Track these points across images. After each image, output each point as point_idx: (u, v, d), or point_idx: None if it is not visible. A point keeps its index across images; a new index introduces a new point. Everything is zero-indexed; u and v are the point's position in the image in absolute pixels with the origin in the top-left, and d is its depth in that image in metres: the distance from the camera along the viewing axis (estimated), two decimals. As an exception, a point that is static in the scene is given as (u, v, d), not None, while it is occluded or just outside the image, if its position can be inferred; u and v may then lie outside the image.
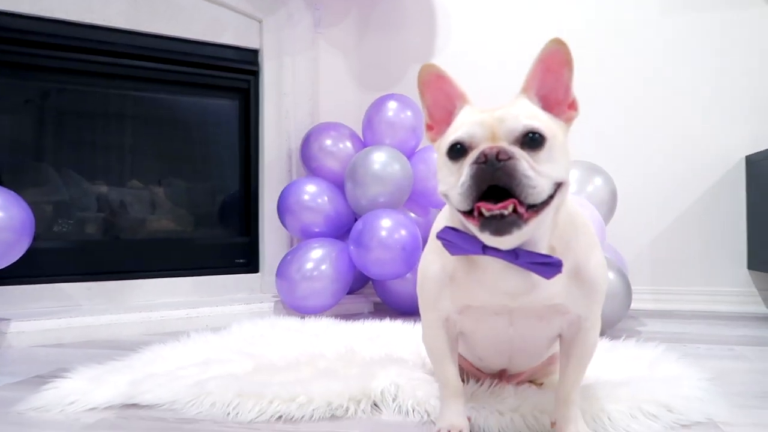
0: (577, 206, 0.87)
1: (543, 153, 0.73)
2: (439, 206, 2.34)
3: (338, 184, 2.31)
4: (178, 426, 1.02)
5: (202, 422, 1.04)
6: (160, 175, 2.48)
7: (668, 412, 1.01)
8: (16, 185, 1.94)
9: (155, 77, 2.36)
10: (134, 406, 1.12)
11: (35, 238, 1.76)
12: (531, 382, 1.12)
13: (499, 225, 0.70)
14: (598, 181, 1.92)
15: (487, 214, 0.70)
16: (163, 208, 2.48)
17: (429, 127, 0.87)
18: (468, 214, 0.73)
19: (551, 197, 0.73)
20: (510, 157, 0.70)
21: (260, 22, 2.52)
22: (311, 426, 1.02)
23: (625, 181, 2.20)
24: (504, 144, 0.73)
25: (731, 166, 2.36)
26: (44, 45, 2.11)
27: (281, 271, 2.14)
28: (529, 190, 0.70)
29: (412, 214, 2.35)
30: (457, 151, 0.76)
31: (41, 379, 1.30)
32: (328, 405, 1.07)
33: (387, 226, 2.05)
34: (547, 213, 0.74)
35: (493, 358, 1.02)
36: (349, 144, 2.37)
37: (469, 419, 0.95)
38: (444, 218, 0.87)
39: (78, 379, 1.23)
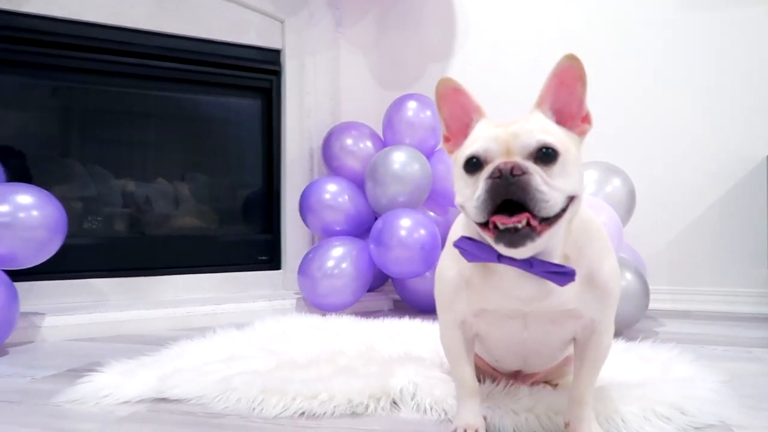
0: (591, 213, 0.90)
1: (556, 167, 0.75)
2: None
3: (359, 183, 2.35)
4: (206, 420, 1.07)
5: (228, 417, 1.09)
6: (184, 172, 2.55)
7: (681, 414, 1.02)
8: (46, 183, 2.02)
9: (180, 77, 2.42)
10: (164, 400, 1.17)
11: (67, 235, 1.82)
12: (546, 382, 1.15)
13: (513, 238, 0.73)
14: (616, 181, 1.92)
15: (501, 227, 0.73)
16: (187, 205, 2.54)
17: (446, 139, 0.89)
18: (484, 225, 0.76)
19: (564, 210, 0.75)
20: (524, 172, 0.73)
21: (282, 22, 2.56)
22: (332, 422, 1.06)
23: (643, 181, 2.20)
24: (518, 159, 0.75)
25: (752, 165, 2.34)
26: (74, 47, 2.18)
27: (303, 269, 2.19)
28: (542, 204, 0.72)
29: (432, 213, 2.38)
30: (473, 164, 0.78)
31: (76, 373, 1.36)
32: (349, 402, 1.10)
33: (406, 225, 2.08)
34: (561, 225, 0.76)
35: (509, 360, 1.05)
36: (369, 143, 2.41)
37: (485, 418, 0.98)
38: (461, 226, 0.90)
39: (111, 373, 1.29)
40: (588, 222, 0.86)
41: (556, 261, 0.81)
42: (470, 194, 0.77)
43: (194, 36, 2.39)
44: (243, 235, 2.59)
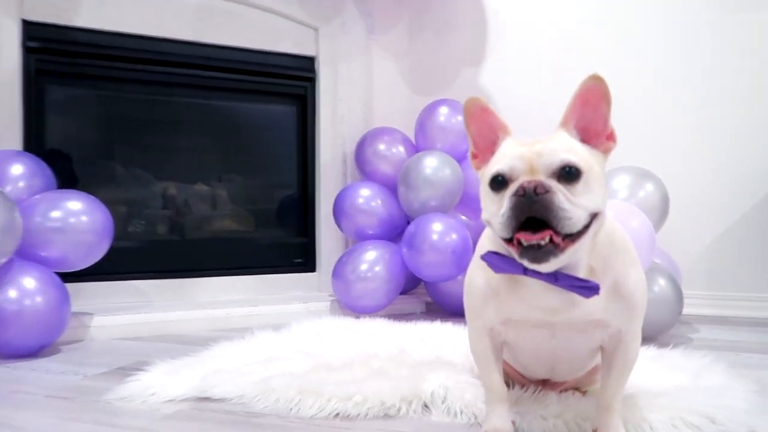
0: (616, 224, 0.92)
1: (579, 185, 0.78)
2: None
3: (391, 188, 2.39)
4: (246, 419, 1.13)
5: (267, 416, 1.14)
6: (222, 177, 2.63)
7: (711, 423, 1.03)
8: (92, 186, 2.12)
9: (218, 86, 2.50)
10: (206, 399, 1.23)
11: (113, 239, 1.92)
12: (575, 389, 1.17)
13: (537, 254, 0.76)
14: (649, 186, 1.91)
15: (525, 243, 0.76)
16: (225, 208, 2.63)
17: (474, 156, 0.93)
18: (509, 241, 0.79)
19: (587, 226, 0.78)
20: (547, 191, 0.76)
21: (316, 30, 2.62)
22: (366, 423, 1.10)
23: (678, 185, 2.18)
24: (542, 177, 0.78)
25: (793, 169, 2.29)
26: (119, 58, 2.28)
27: (337, 272, 2.25)
28: (565, 222, 0.75)
29: (463, 217, 2.40)
30: (499, 182, 0.81)
31: (123, 371, 1.44)
32: (382, 404, 1.15)
33: (438, 229, 2.11)
34: (584, 240, 0.79)
35: (537, 368, 1.08)
36: (401, 148, 2.45)
37: (513, 423, 1.01)
38: (488, 239, 0.93)
39: (156, 372, 1.36)
40: (613, 233, 0.88)
41: (582, 274, 0.83)
42: (495, 211, 0.80)
43: (232, 45, 2.46)
44: (279, 238, 2.66)
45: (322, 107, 2.64)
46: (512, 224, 0.77)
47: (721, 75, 2.39)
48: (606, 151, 0.86)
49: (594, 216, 0.79)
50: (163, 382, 1.28)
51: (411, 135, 2.51)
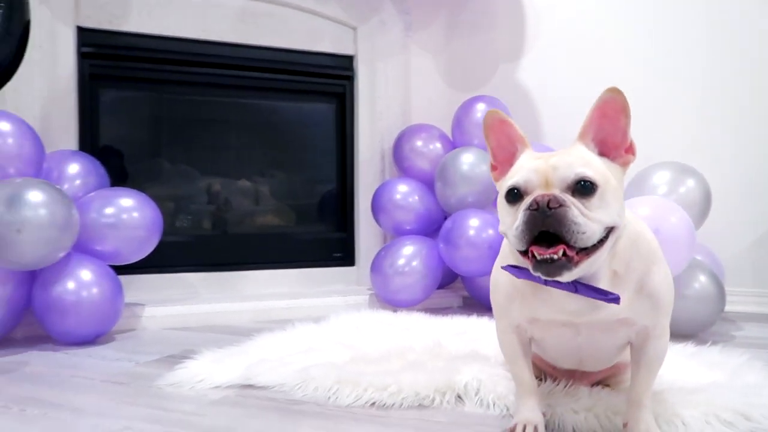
0: (639, 225, 0.93)
1: (594, 199, 0.78)
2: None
3: (429, 184, 2.42)
4: (287, 406, 1.19)
5: (306, 404, 1.20)
6: (264, 173, 2.71)
7: (745, 420, 1.03)
8: (142, 185, 2.22)
9: (260, 85, 2.58)
10: (250, 386, 1.30)
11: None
12: (606, 385, 1.18)
13: (550, 268, 0.77)
14: (690, 182, 1.89)
15: (539, 257, 0.77)
16: (267, 204, 2.71)
17: (493, 167, 0.94)
18: (524, 253, 0.80)
19: (603, 240, 0.79)
20: (561, 205, 0.76)
21: (355, 29, 2.67)
22: (401, 413, 1.14)
23: (721, 181, 2.13)
24: (556, 191, 0.79)
25: None
26: (166, 60, 2.38)
27: (375, 266, 2.29)
28: (578, 236, 0.76)
29: (500, 213, 2.41)
30: (514, 195, 0.83)
31: (173, 359, 1.52)
32: (416, 395, 1.19)
33: (475, 225, 2.13)
34: (600, 254, 0.80)
35: (564, 361, 1.10)
36: (438, 145, 2.47)
37: (543, 415, 1.03)
38: (508, 249, 0.94)
39: (203, 360, 1.44)
40: (636, 235, 0.89)
41: (604, 280, 0.84)
42: (511, 223, 0.81)
43: (273, 46, 2.53)
44: (319, 233, 2.73)
45: (361, 105, 2.68)
46: (526, 237, 0.78)
47: (763, 67, 2.32)
48: (625, 164, 0.87)
49: (610, 230, 0.80)
50: (210, 370, 1.36)
51: (448, 131, 2.53)
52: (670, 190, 1.88)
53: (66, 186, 1.87)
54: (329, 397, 1.21)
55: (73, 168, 1.92)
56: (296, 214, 2.76)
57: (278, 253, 2.59)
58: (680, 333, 1.66)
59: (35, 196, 1.59)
